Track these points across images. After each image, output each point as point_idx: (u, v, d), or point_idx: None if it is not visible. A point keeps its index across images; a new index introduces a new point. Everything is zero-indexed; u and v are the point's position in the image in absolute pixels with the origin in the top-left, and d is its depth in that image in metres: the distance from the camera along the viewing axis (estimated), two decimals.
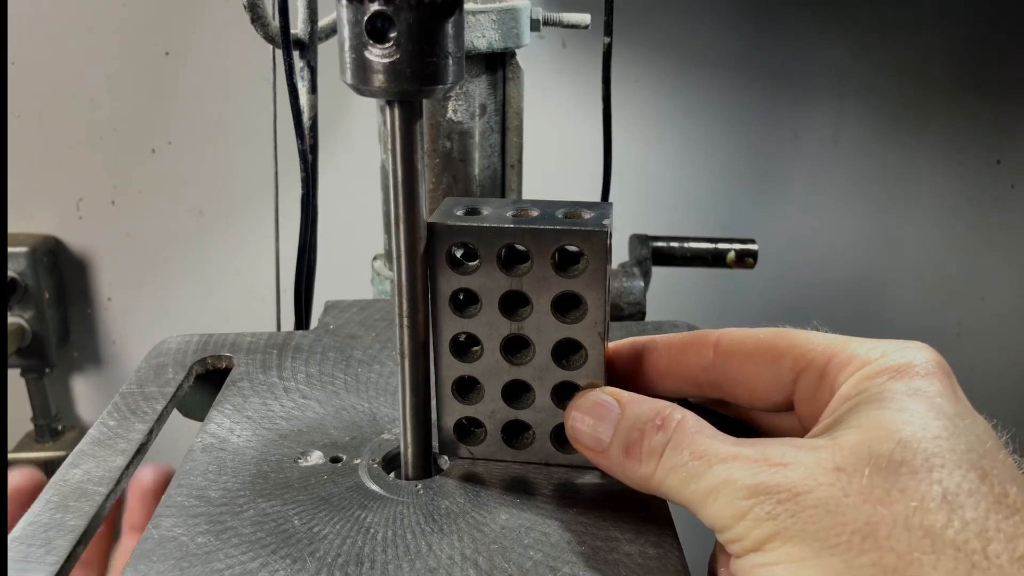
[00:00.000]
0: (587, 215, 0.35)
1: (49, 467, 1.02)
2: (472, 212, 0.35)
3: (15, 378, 1.06)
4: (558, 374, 0.36)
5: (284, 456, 0.39)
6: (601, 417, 0.33)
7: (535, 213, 0.35)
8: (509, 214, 0.35)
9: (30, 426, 1.08)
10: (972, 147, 1.13)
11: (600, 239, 0.33)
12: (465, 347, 0.37)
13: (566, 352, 0.36)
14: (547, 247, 0.34)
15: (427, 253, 0.34)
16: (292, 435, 0.40)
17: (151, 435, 0.41)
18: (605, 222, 0.34)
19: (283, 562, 0.32)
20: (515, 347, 0.36)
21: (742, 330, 0.35)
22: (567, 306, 0.35)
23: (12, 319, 1.01)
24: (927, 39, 1.06)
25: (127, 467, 0.38)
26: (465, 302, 0.36)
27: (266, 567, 0.31)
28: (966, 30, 1.07)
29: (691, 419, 0.31)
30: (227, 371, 0.47)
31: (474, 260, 0.35)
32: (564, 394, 0.37)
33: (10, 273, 0.99)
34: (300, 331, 0.51)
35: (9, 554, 0.32)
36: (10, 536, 0.33)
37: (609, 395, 0.33)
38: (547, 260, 0.34)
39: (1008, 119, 1.12)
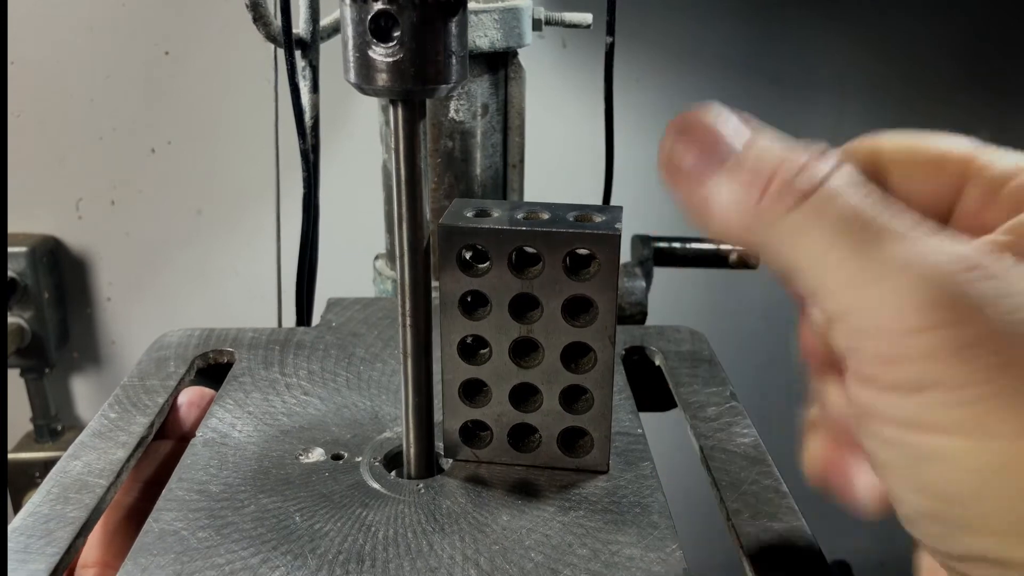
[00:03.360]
0: (598, 218, 0.35)
1: (49, 467, 1.02)
2: (481, 214, 0.35)
3: (15, 378, 1.06)
4: (566, 377, 0.36)
5: (285, 452, 0.39)
6: (725, 130, 0.24)
7: (546, 216, 0.35)
8: (519, 216, 0.35)
9: (30, 426, 1.08)
10: None
11: (613, 243, 0.33)
12: (472, 350, 0.37)
13: (575, 356, 0.36)
14: (559, 250, 0.34)
15: (437, 255, 0.34)
16: (294, 431, 0.40)
17: (152, 428, 0.41)
18: (617, 226, 0.34)
19: (284, 558, 0.32)
20: (524, 350, 0.36)
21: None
22: (577, 309, 0.35)
23: (12, 319, 1.01)
24: (927, 39, 1.07)
25: (128, 459, 0.38)
26: (473, 304, 0.36)
27: (267, 563, 0.31)
28: (966, 30, 1.07)
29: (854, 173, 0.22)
30: (228, 366, 0.47)
31: (484, 262, 0.35)
32: (572, 398, 0.37)
33: (10, 273, 0.99)
34: (302, 328, 0.51)
35: (9, 545, 0.32)
36: (10, 527, 0.33)
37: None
38: (559, 263, 0.34)
39: (1008, 119, 1.12)
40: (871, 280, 0.20)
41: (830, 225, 0.21)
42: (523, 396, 0.37)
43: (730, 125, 0.24)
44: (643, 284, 0.66)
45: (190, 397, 0.43)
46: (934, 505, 0.20)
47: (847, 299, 0.21)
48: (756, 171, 0.23)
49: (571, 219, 0.34)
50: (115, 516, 0.39)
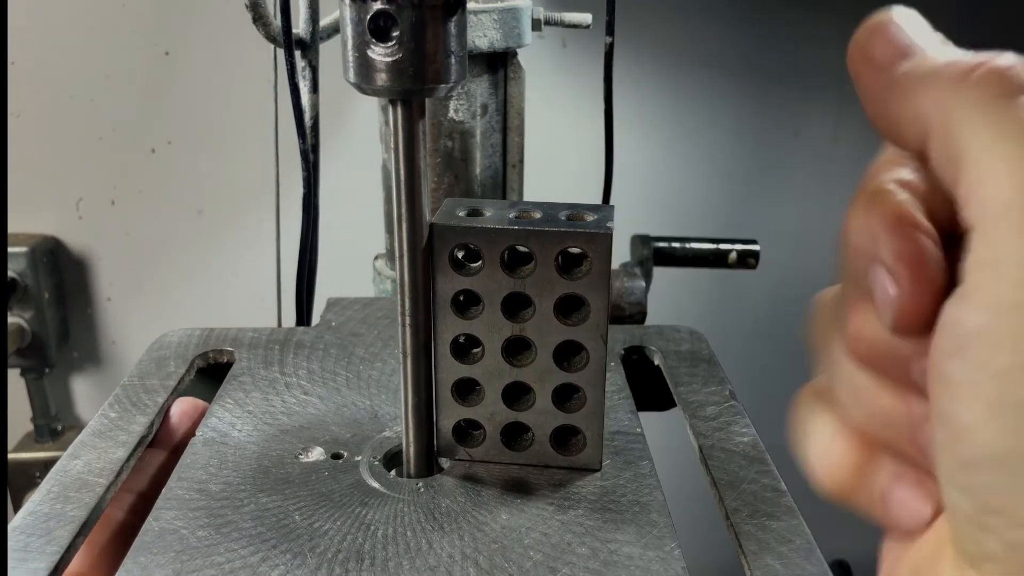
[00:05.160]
0: (590, 217, 0.35)
1: (49, 467, 1.02)
2: (474, 213, 0.35)
3: (15, 378, 1.06)
4: (559, 376, 0.36)
5: (285, 451, 0.39)
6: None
7: (538, 215, 0.35)
8: (511, 215, 0.35)
9: (30, 426, 1.08)
10: None
11: (604, 241, 0.33)
12: (465, 349, 0.37)
13: (567, 354, 0.36)
14: (551, 249, 0.34)
15: (429, 254, 0.35)
16: (293, 431, 0.40)
17: (152, 427, 0.41)
18: (609, 224, 0.34)
19: (283, 557, 0.32)
20: (516, 349, 0.36)
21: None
22: (569, 308, 0.35)
23: (12, 319, 1.01)
24: None
25: (128, 459, 0.38)
26: (466, 303, 0.36)
27: (266, 561, 0.32)
28: (965, 30, 1.07)
29: None
30: (228, 365, 0.47)
31: (476, 261, 0.35)
32: (564, 396, 0.37)
33: (10, 273, 0.99)
34: (302, 327, 0.51)
35: (9, 543, 0.32)
36: (10, 526, 0.33)
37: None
38: (551, 262, 0.34)
39: None
40: None
41: None
42: (516, 395, 0.37)
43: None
44: (643, 284, 0.66)
45: (183, 408, 0.43)
46: (1019, 461, 0.18)
47: (1000, 220, 0.18)
48: (964, 59, 0.21)
49: (563, 218, 0.34)
50: (103, 534, 0.39)
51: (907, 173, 0.22)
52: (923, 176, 0.22)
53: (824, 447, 0.25)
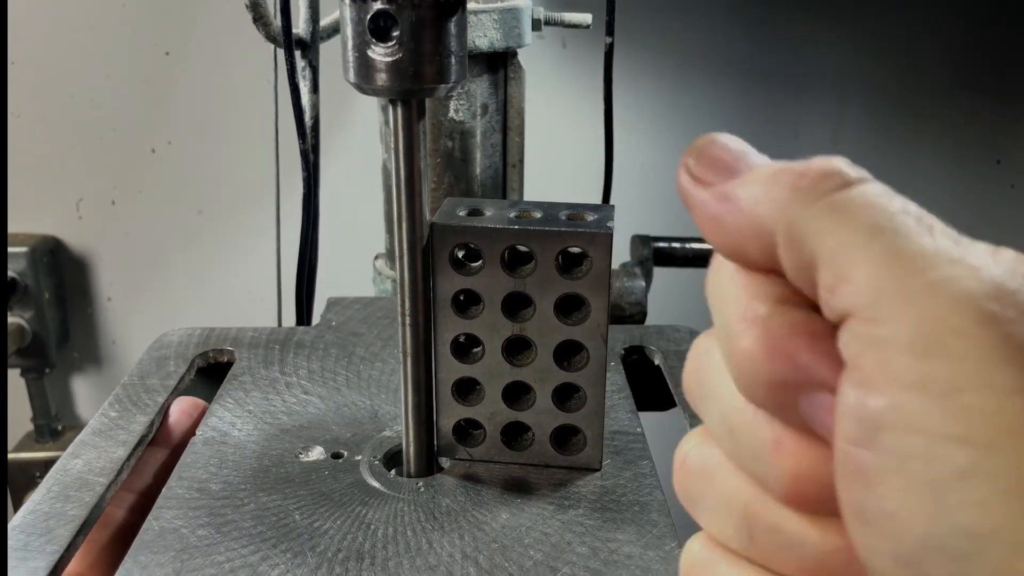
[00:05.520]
0: (590, 217, 0.35)
1: (49, 467, 1.02)
2: (474, 213, 0.35)
3: (15, 378, 1.06)
4: (559, 376, 0.36)
5: (285, 451, 0.39)
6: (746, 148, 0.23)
7: (538, 215, 0.35)
8: (512, 215, 0.35)
9: (30, 426, 1.08)
10: (972, 147, 1.13)
11: (605, 241, 0.33)
12: (465, 348, 0.37)
13: (567, 354, 0.36)
14: (551, 249, 0.34)
15: (429, 254, 0.35)
16: (293, 430, 0.40)
17: (152, 427, 0.41)
18: (609, 224, 0.34)
19: (283, 556, 0.32)
20: (516, 348, 0.36)
21: None
22: (569, 308, 0.35)
23: (12, 319, 1.01)
24: (927, 39, 1.07)
25: (128, 458, 0.38)
26: (466, 303, 0.36)
27: (266, 560, 0.32)
28: (966, 30, 1.07)
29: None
30: (228, 365, 0.47)
31: (476, 261, 0.35)
32: (565, 396, 0.37)
33: (10, 273, 0.99)
34: (302, 327, 0.51)
35: (9, 542, 0.32)
36: (10, 525, 0.33)
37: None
38: (551, 261, 0.34)
39: (1008, 119, 1.12)
40: (911, 290, 0.18)
41: (872, 216, 0.19)
42: (516, 394, 0.37)
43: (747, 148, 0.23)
44: (643, 284, 0.66)
45: (182, 407, 0.43)
46: (954, 540, 0.17)
47: (876, 301, 0.18)
48: (792, 166, 0.21)
49: (563, 218, 0.35)
50: (103, 533, 0.39)
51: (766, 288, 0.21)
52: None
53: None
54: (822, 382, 0.19)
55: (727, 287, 0.21)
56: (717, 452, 0.22)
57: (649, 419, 0.43)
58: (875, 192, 0.20)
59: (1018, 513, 0.16)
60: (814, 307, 0.20)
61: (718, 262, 0.22)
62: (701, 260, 0.74)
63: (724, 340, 0.21)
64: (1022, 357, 0.17)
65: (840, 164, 0.20)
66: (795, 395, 0.20)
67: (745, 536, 0.22)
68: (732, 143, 0.23)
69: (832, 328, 0.19)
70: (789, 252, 0.20)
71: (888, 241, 0.19)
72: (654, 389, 0.48)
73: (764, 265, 0.21)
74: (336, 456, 0.39)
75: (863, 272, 0.18)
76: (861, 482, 0.18)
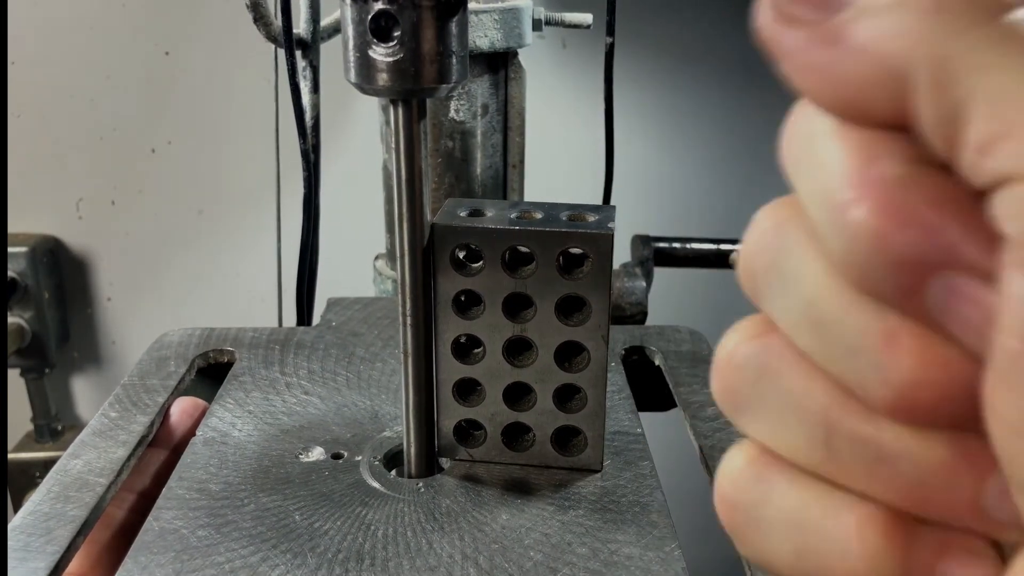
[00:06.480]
0: (591, 218, 0.35)
1: (49, 467, 1.02)
2: (475, 213, 0.35)
3: (15, 378, 1.06)
4: (560, 376, 0.36)
5: (285, 451, 0.39)
6: None
7: (539, 215, 0.35)
8: (513, 216, 0.35)
9: (30, 426, 1.08)
10: None
11: (606, 242, 0.33)
12: (466, 349, 0.37)
13: (568, 355, 0.36)
14: (552, 249, 0.34)
15: (430, 255, 0.34)
16: (294, 431, 0.40)
17: (152, 427, 0.41)
18: (610, 225, 0.34)
19: (283, 556, 0.32)
20: (517, 349, 0.36)
21: None
22: (570, 308, 0.35)
23: (12, 319, 1.01)
24: None
25: (128, 458, 0.38)
26: (467, 304, 0.36)
27: (266, 561, 0.32)
28: None
29: None
30: (229, 365, 0.47)
31: (477, 262, 0.35)
32: (565, 397, 0.37)
33: (10, 273, 0.99)
34: (302, 327, 0.51)
35: (9, 543, 0.32)
36: (10, 525, 0.33)
37: None
38: (552, 262, 0.34)
39: None
40: None
41: None
42: (517, 395, 0.37)
43: None
44: (643, 284, 0.66)
45: (183, 407, 0.43)
46: None
47: None
48: None
49: (564, 218, 0.34)
50: (104, 533, 0.39)
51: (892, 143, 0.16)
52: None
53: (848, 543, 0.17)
54: (969, 263, 0.15)
55: (826, 145, 0.16)
56: (782, 346, 0.19)
57: (649, 419, 0.43)
58: None
59: None
60: (947, 172, 0.15)
61: (805, 114, 0.17)
62: (701, 260, 0.74)
63: (824, 210, 0.16)
64: None
65: None
66: (927, 279, 0.15)
67: (820, 448, 0.17)
68: None
69: (976, 197, 0.15)
70: (934, 97, 0.15)
71: None
72: (654, 389, 0.48)
73: (887, 121, 0.16)
74: (336, 456, 0.39)
75: None
76: None
